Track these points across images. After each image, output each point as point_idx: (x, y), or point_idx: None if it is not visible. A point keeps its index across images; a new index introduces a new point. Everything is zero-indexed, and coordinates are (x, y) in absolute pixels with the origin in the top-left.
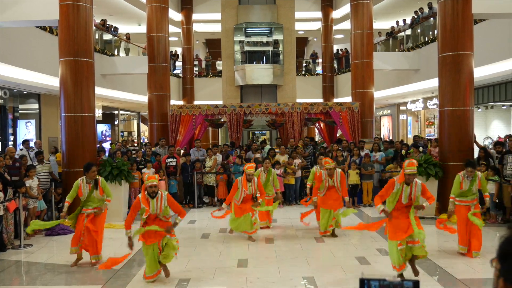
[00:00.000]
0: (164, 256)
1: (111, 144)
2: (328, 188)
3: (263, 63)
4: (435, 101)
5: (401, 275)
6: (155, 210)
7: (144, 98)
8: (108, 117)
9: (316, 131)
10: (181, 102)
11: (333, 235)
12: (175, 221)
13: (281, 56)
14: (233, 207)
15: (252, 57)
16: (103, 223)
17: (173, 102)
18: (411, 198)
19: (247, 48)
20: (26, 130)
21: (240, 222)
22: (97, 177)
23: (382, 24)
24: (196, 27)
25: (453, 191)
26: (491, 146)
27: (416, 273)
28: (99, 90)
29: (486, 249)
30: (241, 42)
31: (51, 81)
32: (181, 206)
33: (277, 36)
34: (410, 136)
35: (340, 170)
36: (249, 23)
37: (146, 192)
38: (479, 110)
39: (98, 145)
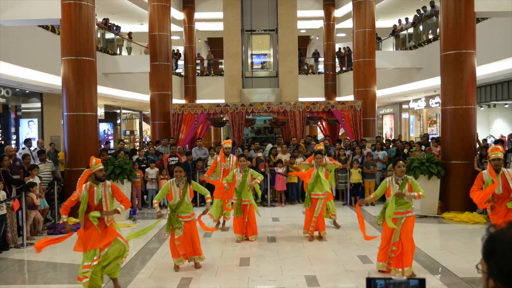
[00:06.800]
0: (111, 270)
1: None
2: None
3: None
4: (438, 99)
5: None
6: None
7: (146, 97)
8: (110, 116)
9: (318, 130)
10: (183, 101)
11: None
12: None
13: None
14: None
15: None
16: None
17: (175, 101)
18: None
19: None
20: (29, 129)
21: (215, 207)
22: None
23: (384, 22)
24: (198, 26)
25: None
26: (493, 145)
27: None
28: (101, 89)
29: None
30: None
31: (53, 80)
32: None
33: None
34: (413, 134)
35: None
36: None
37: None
38: (482, 108)
39: (104, 145)
